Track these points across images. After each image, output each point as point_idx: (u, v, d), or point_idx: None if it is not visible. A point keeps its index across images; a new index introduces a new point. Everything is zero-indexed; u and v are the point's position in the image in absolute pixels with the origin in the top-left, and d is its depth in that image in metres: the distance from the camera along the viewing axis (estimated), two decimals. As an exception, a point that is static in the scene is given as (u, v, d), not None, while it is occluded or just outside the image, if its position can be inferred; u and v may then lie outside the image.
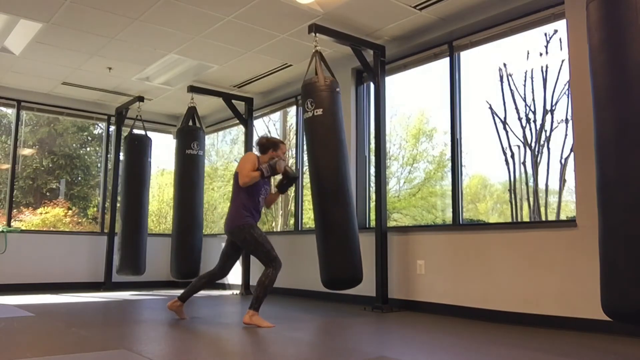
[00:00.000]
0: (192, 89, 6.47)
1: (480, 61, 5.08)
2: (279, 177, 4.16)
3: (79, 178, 8.98)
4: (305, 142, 4.90)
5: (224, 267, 4.15)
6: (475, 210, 5.59)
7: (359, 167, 5.80)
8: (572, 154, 4.06)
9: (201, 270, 6.53)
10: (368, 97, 5.92)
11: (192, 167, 6.44)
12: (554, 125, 4.58)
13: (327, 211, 4.53)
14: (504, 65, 4.96)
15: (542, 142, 4.69)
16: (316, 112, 4.62)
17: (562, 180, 4.53)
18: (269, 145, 4.13)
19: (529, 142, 4.75)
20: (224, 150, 9.36)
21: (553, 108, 4.59)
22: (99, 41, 5.47)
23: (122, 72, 6.40)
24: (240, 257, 6.75)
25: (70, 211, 8.31)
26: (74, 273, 7.13)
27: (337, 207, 4.50)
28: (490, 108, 5.00)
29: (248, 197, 3.98)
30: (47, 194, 8.52)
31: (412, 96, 6.04)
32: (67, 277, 7.06)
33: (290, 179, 4.09)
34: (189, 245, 6.30)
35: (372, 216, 5.64)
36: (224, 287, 7.34)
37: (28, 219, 7.87)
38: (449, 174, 5.02)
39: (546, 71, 4.67)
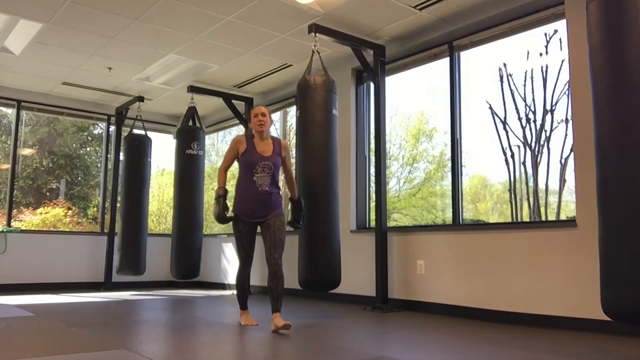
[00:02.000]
0: (192, 89, 6.47)
1: (480, 61, 5.08)
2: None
3: (79, 178, 8.98)
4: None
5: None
6: (475, 210, 5.58)
7: (359, 167, 5.81)
8: (572, 154, 4.06)
9: (201, 270, 6.54)
10: (368, 97, 5.92)
11: (192, 167, 6.45)
12: (554, 125, 4.58)
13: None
14: (504, 65, 4.96)
15: (542, 142, 4.69)
16: (297, 114, 4.70)
17: (562, 180, 4.53)
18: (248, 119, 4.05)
19: (529, 142, 4.75)
20: (224, 150, 9.35)
21: (553, 108, 4.59)
22: (99, 41, 5.47)
23: (122, 72, 6.40)
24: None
25: (70, 211, 8.30)
26: (74, 273, 7.13)
27: (313, 209, 4.42)
28: (490, 108, 5.00)
29: (242, 178, 3.76)
30: (47, 194, 8.52)
31: (412, 96, 6.04)
32: (67, 277, 7.06)
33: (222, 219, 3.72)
34: (189, 245, 6.30)
35: (372, 216, 5.64)
36: (224, 287, 7.34)
37: (28, 219, 7.86)
38: (449, 174, 5.02)
39: (546, 71, 4.67)
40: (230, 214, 3.72)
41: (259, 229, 3.80)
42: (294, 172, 4.13)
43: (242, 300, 3.91)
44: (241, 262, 3.80)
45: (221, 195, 3.68)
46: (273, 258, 3.66)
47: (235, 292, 3.98)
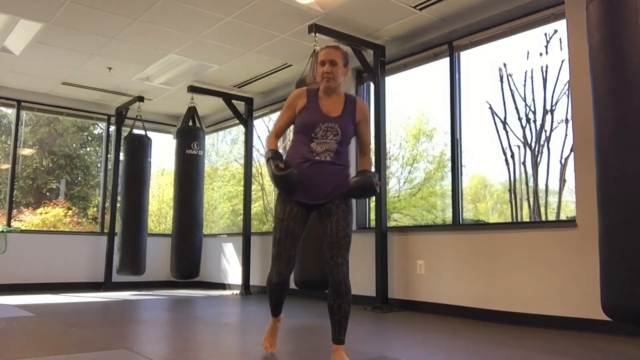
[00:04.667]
0: (192, 89, 6.47)
1: (480, 61, 5.08)
2: None
3: (79, 178, 8.98)
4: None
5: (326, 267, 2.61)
6: (475, 210, 5.59)
7: (359, 167, 5.80)
8: (572, 154, 4.06)
9: (201, 270, 6.54)
10: (368, 97, 5.91)
11: (192, 167, 6.45)
12: (554, 125, 4.58)
13: None
14: (504, 65, 4.96)
15: (542, 142, 4.69)
16: None
17: (562, 180, 4.53)
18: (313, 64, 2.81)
19: (529, 142, 4.75)
20: (224, 150, 9.36)
21: (553, 108, 4.60)
22: (99, 41, 5.47)
23: (122, 72, 6.40)
24: (241, 256, 6.79)
25: (70, 211, 8.30)
26: (74, 273, 7.13)
27: None
28: (490, 108, 5.01)
29: (295, 146, 2.67)
30: (47, 194, 8.52)
31: (412, 96, 6.04)
32: (67, 277, 7.06)
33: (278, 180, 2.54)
34: (189, 245, 6.30)
35: (372, 216, 5.64)
36: (224, 287, 7.34)
37: (28, 219, 7.86)
38: (449, 174, 5.02)
39: (546, 71, 4.67)
40: (287, 169, 2.52)
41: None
42: (370, 147, 2.84)
43: (273, 305, 2.80)
44: (274, 259, 2.62)
45: (271, 157, 2.56)
46: (335, 263, 2.51)
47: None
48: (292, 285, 4.97)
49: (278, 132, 2.74)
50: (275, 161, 2.53)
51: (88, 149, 9.34)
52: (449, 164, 5.03)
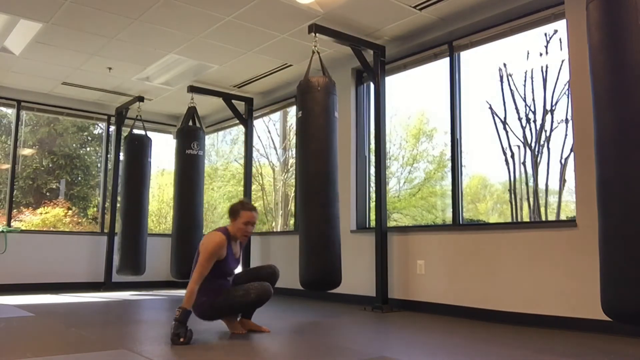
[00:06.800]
0: (192, 89, 6.47)
1: (480, 61, 5.08)
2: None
3: (79, 178, 8.98)
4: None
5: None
6: (475, 210, 5.59)
7: (359, 167, 5.81)
8: (572, 154, 4.06)
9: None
10: (368, 97, 5.92)
11: (192, 167, 6.45)
12: (554, 125, 4.58)
13: (302, 212, 4.61)
14: (504, 65, 4.96)
15: (542, 142, 4.69)
16: (298, 114, 4.75)
17: (562, 180, 4.53)
18: (231, 212, 3.40)
19: (529, 142, 4.75)
20: (224, 150, 9.37)
21: (553, 108, 4.60)
22: (99, 41, 5.47)
23: (122, 72, 6.40)
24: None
25: (70, 211, 8.30)
26: (74, 273, 7.13)
27: (311, 209, 4.53)
28: (490, 108, 5.01)
29: (212, 282, 3.37)
30: (47, 194, 8.52)
31: (412, 96, 6.04)
32: (67, 277, 7.06)
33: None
34: (189, 245, 6.29)
35: (372, 216, 5.65)
36: (224, 287, 7.34)
37: (28, 219, 7.86)
38: (449, 174, 5.02)
39: (546, 71, 4.67)
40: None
41: None
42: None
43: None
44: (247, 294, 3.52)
45: (183, 322, 3.12)
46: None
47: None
48: (297, 286, 4.97)
49: (202, 279, 3.29)
50: (186, 332, 3.09)
51: (88, 149, 9.34)
52: (449, 164, 5.03)
